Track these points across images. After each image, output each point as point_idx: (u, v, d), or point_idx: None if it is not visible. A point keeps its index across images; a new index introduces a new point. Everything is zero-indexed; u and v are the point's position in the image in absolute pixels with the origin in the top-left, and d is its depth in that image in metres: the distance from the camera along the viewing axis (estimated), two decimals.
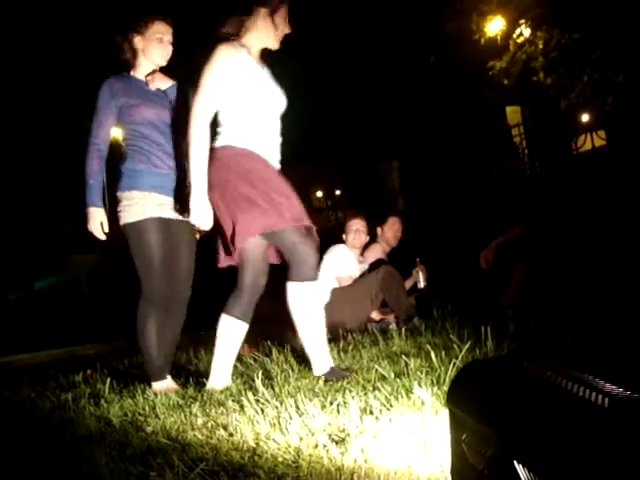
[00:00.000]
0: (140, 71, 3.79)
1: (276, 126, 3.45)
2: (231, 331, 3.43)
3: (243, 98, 3.29)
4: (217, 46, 3.27)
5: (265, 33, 3.40)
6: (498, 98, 14.57)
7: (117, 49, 3.81)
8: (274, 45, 3.46)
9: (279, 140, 3.47)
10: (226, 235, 3.30)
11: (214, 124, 3.34)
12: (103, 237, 3.67)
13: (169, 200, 3.68)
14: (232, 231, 3.24)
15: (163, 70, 3.83)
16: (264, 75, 3.38)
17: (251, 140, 3.30)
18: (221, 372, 3.41)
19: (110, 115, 3.68)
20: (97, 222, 3.62)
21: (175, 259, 3.72)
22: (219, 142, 3.32)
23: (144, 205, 3.60)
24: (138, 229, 3.61)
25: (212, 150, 3.30)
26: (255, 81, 3.31)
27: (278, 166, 3.46)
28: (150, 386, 3.62)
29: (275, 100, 3.42)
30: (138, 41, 3.74)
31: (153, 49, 3.74)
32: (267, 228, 3.22)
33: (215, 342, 3.43)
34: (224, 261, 3.43)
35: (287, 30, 3.47)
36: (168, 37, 3.78)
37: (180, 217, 3.69)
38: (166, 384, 3.63)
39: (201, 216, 3.25)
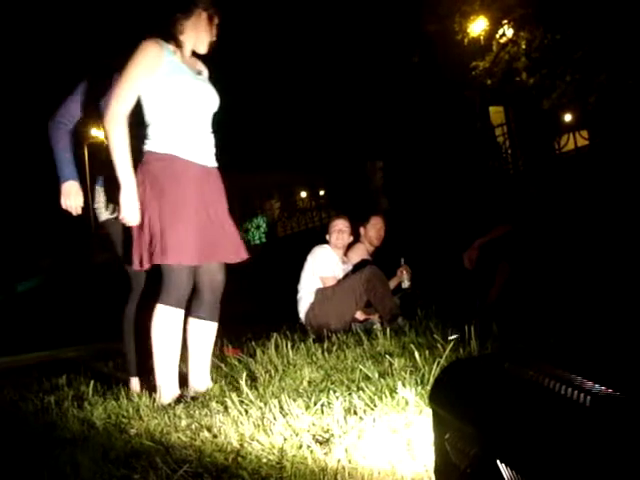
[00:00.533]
0: None
1: (206, 126, 3.39)
2: (201, 332, 3.41)
3: (165, 98, 3.24)
4: (141, 42, 3.21)
5: (199, 35, 3.35)
6: (481, 98, 14.63)
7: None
8: (203, 49, 3.41)
9: (211, 140, 3.41)
10: (146, 241, 3.22)
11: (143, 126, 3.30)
12: (79, 212, 3.59)
13: None
14: (159, 243, 3.17)
15: None
16: (189, 75, 3.30)
17: (176, 144, 3.24)
18: (200, 374, 3.40)
19: (89, 103, 3.61)
20: (72, 197, 3.55)
21: None
22: (145, 147, 3.26)
23: None
24: (118, 225, 3.55)
25: (140, 154, 3.26)
26: (178, 81, 3.24)
27: (213, 164, 3.42)
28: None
29: (202, 101, 3.34)
30: None
31: None
32: (193, 260, 3.21)
33: (188, 346, 3.42)
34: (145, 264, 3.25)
35: (213, 38, 3.43)
36: None
37: None
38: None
39: (130, 212, 3.16)
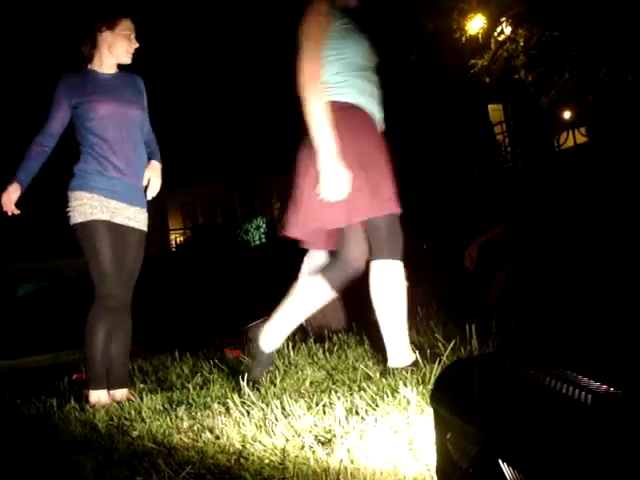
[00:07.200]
0: (103, 66, 3.71)
1: (376, 80, 3.20)
2: (315, 294, 3.26)
3: (340, 52, 3.08)
4: (310, 4, 3.05)
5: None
6: (480, 96, 14.61)
7: (83, 42, 3.73)
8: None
9: (380, 96, 3.22)
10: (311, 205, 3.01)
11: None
12: (15, 211, 3.59)
13: (120, 205, 3.61)
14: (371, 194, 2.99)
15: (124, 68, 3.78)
16: (356, 31, 3.14)
17: (355, 95, 3.07)
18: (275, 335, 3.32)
19: (62, 112, 3.62)
20: (11, 196, 3.56)
21: (120, 264, 3.63)
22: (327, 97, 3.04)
23: (92, 206, 3.53)
24: (87, 230, 3.54)
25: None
26: (350, 36, 3.10)
27: (382, 126, 3.23)
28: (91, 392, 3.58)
29: (370, 52, 3.20)
30: (107, 35, 3.68)
31: (121, 45, 3.67)
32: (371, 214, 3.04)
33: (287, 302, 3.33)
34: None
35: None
36: (134, 35, 3.73)
37: (131, 224, 3.64)
38: (104, 394, 3.56)
39: (334, 187, 2.90)
